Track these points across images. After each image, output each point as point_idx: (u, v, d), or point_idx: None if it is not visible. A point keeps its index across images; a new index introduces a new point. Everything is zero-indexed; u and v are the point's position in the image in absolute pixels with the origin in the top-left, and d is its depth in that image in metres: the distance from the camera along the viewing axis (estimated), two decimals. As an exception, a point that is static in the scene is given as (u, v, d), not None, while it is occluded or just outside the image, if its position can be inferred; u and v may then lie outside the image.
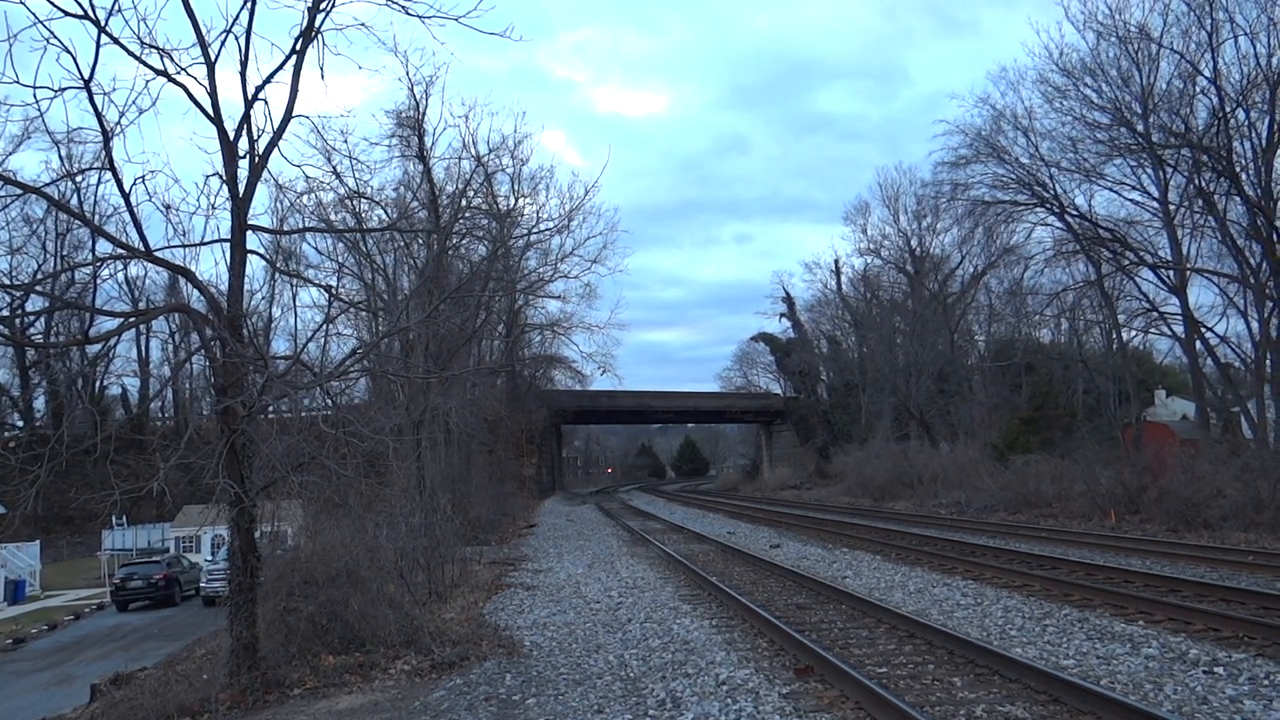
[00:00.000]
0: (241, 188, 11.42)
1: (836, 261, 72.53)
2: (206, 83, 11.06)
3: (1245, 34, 28.39)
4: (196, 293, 11.90)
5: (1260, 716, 7.25)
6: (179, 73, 10.82)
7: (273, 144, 11.66)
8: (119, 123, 10.34)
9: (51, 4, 9.82)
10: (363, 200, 24.94)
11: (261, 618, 11.49)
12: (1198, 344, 34.06)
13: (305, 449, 12.08)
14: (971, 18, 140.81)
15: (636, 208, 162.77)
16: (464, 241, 36.22)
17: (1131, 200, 35.02)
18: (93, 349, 57.20)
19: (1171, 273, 33.53)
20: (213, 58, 11.07)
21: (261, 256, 13.14)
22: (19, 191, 14.19)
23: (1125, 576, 14.81)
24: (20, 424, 57.05)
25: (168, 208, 11.84)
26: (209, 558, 34.83)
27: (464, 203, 34.78)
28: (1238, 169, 29.27)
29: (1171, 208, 33.42)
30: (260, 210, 51.38)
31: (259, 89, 11.33)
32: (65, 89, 10.01)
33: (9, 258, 54.05)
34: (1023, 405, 47.06)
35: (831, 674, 9.09)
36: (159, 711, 10.44)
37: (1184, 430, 35.15)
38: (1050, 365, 50.47)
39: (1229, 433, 32.27)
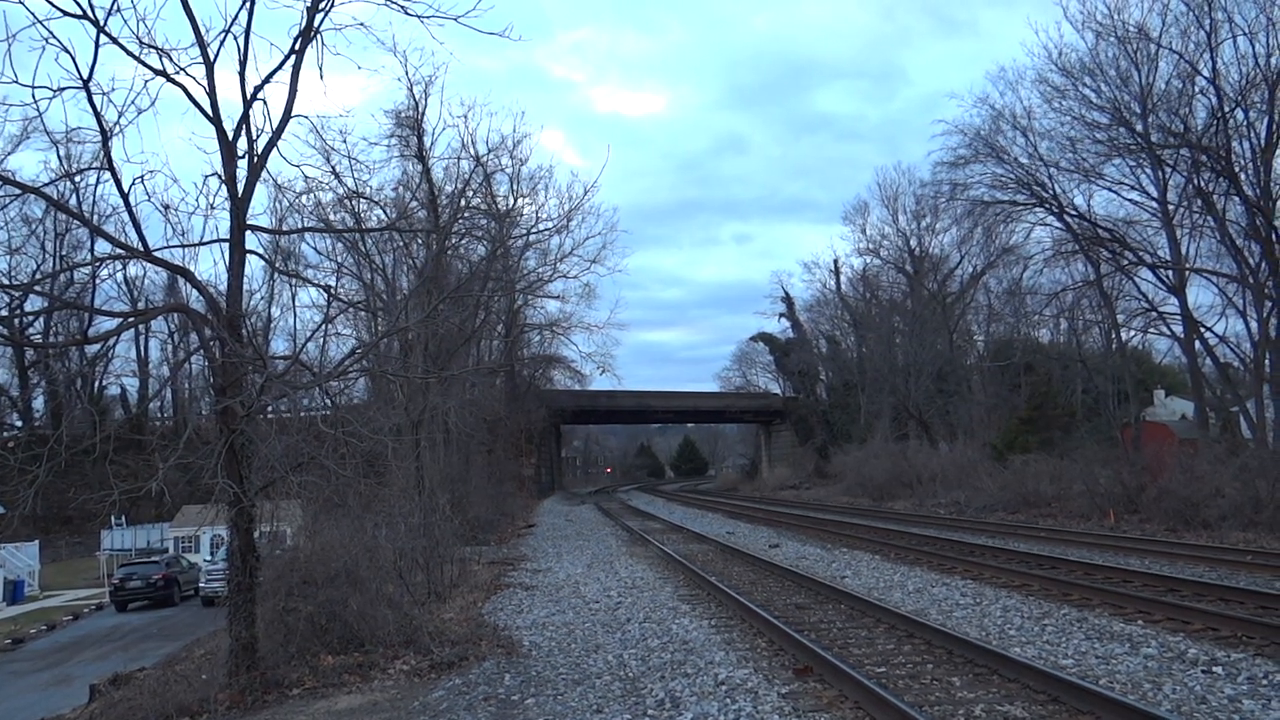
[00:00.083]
0: (240, 188, 11.42)
1: (835, 261, 72.69)
2: (205, 83, 11.07)
3: (1244, 34, 28.44)
4: (195, 293, 11.89)
5: (1259, 716, 7.26)
6: (178, 72, 10.83)
7: (272, 144, 11.66)
8: (118, 122, 10.36)
9: (50, 4, 9.82)
10: (362, 200, 24.96)
11: (260, 618, 11.49)
12: (1196, 344, 34.08)
13: (304, 449, 12.08)
14: (970, 18, 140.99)
15: (635, 208, 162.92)
16: (463, 241, 36.23)
17: (1130, 200, 35.08)
18: (92, 349, 57.23)
19: (1170, 273, 33.55)
20: (212, 58, 11.07)
21: (260, 256, 13.17)
22: (18, 191, 14.19)
23: (1124, 576, 14.82)
24: (19, 424, 57.03)
25: (166, 208, 11.87)
26: (208, 558, 34.83)
27: (463, 203, 34.78)
28: (1236, 169, 29.29)
29: (1170, 207, 33.44)
30: (259, 210, 51.40)
31: (258, 89, 11.34)
32: (64, 89, 10.02)
33: (8, 258, 54.13)
34: (1022, 405, 47.09)
35: (830, 674, 9.10)
36: (158, 711, 10.44)
37: (1183, 430, 35.17)
38: (1049, 365, 50.50)
39: (1228, 432, 32.29)
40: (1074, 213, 36.07)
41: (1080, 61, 33.06)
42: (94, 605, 31.48)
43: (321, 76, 14.06)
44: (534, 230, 34.90)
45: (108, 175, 10.55)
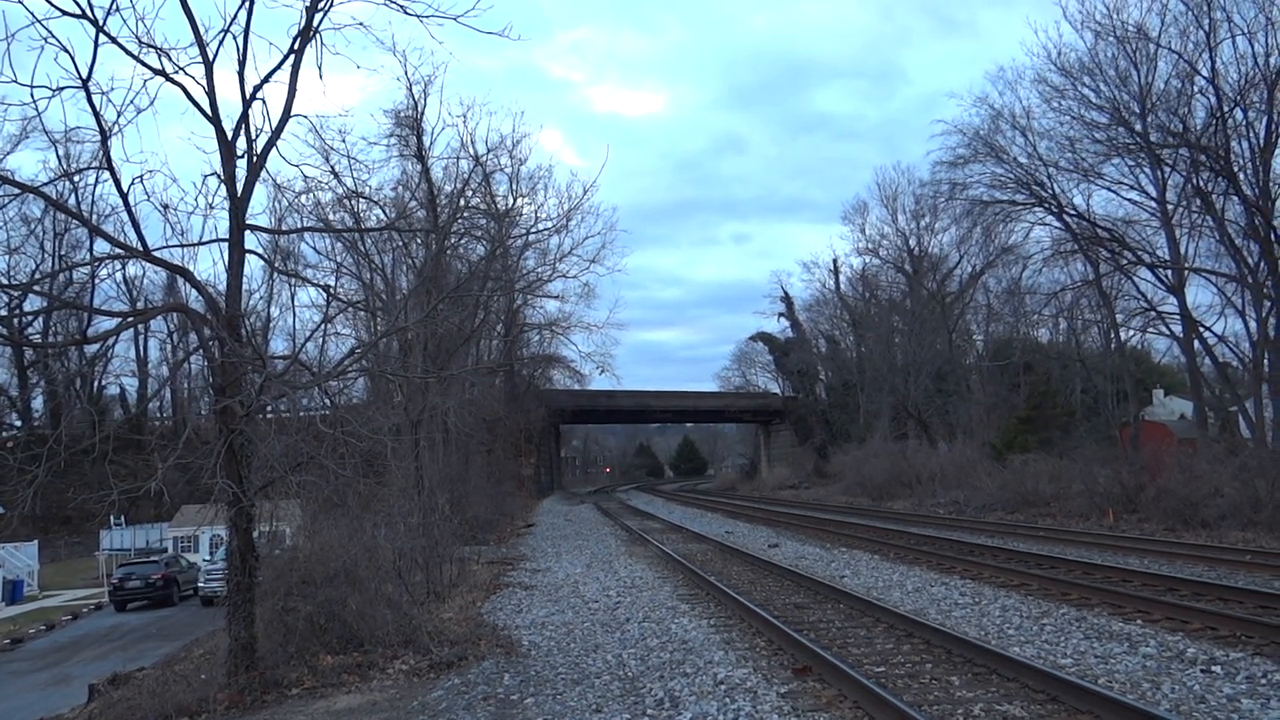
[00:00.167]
0: (240, 187, 11.41)
1: (835, 261, 72.72)
2: (204, 82, 11.06)
3: (1243, 34, 28.47)
4: (195, 292, 11.88)
5: (1258, 715, 7.26)
6: (177, 72, 10.82)
7: (271, 143, 11.66)
8: (117, 122, 10.36)
9: (49, 3, 9.81)
10: (361, 200, 24.96)
11: (259, 618, 11.48)
12: (1195, 343, 34.11)
13: (303, 449, 12.07)
14: (969, 18, 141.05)
15: (634, 207, 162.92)
16: (462, 241, 36.21)
17: (1129, 200, 35.11)
18: (91, 349, 57.21)
19: (1169, 272, 33.57)
20: (211, 57, 11.06)
21: (260, 256, 13.15)
22: (17, 191, 14.20)
23: (1123, 575, 14.83)
24: (19, 424, 57.00)
25: (166, 207, 11.86)
26: (207, 557, 34.82)
27: (462, 202, 34.75)
28: (1235, 169, 29.32)
29: (1169, 207, 33.46)
30: (258, 210, 51.44)
31: (257, 88, 11.33)
32: (63, 88, 10.01)
33: (7, 257, 54.07)
34: (1021, 405, 47.11)
35: (830, 673, 9.10)
36: (157, 711, 10.44)
37: (1182, 429, 35.21)
38: (1048, 365, 50.53)
39: (1227, 432, 32.31)
40: (1073, 212, 36.13)
41: (1079, 61, 33.13)
42: (93, 605, 31.47)
43: (321, 76, 14.10)
44: (533, 230, 34.86)
45: (107, 175, 10.57)
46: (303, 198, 24.33)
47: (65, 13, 9.91)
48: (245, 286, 12.88)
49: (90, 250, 51.47)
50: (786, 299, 76.72)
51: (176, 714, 10.28)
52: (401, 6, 12.19)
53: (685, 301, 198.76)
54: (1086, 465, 28.82)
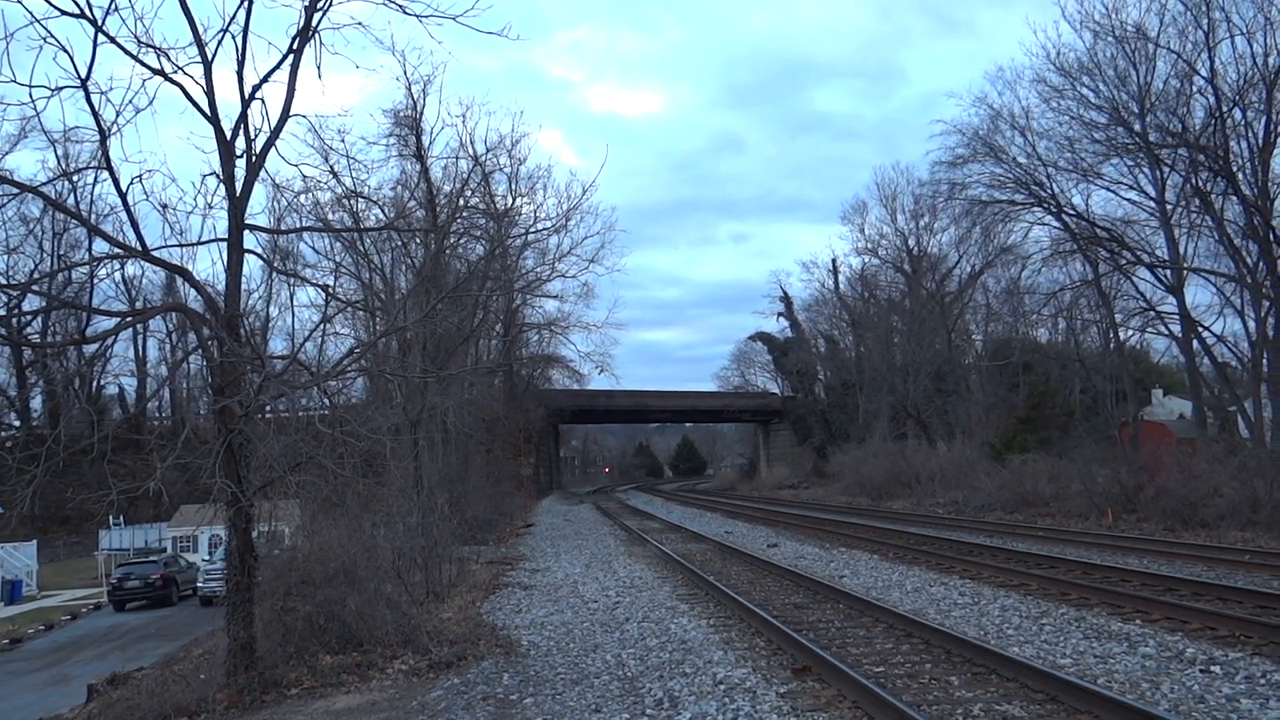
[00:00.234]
0: (239, 187, 11.41)
1: (834, 261, 72.70)
2: (203, 82, 11.06)
3: (1242, 34, 28.48)
4: (194, 292, 11.87)
5: (1257, 715, 7.27)
6: (176, 72, 10.82)
7: (270, 143, 11.65)
8: (116, 122, 10.35)
9: (49, 3, 9.81)
10: (360, 199, 25.01)
11: (259, 617, 11.48)
12: (1195, 343, 34.12)
13: (302, 449, 12.07)
14: (968, 17, 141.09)
15: (633, 207, 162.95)
16: (461, 241, 36.24)
17: (1128, 200, 35.10)
18: (90, 348, 57.09)
19: (1168, 272, 33.58)
20: (210, 57, 11.06)
21: (259, 256, 13.11)
22: (16, 190, 14.19)
23: (1122, 575, 14.83)
24: (17, 424, 56.95)
25: (165, 207, 11.86)
26: (206, 557, 34.79)
27: (461, 202, 34.76)
28: (1234, 168, 29.32)
29: (1168, 207, 33.46)
30: (257, 210, 51.44)
31: (256, 88, 11.33)
32: (62, 88, 10.01)
33: (6, 257, 54.05)
34: (1020, 404, 47.10)
35: (829, 673, 9.10)
36: (156, 711, 10.44)
37: (1181, 429, 35.24)
38: (1047, 364, 50.52)
39: (1226, 432, 32.32)
40: (1072, 212, 36.13)
41: (1078, 61, 33.12)
42: (92, 605, 31.45)
43: (320, 76, 14.12)
44: (532, 230, 34.92)
45: (106, 175, 10.57)
46: (302, 197, 24.37)
47: (64, 12, 9.91)
48: (244, 286, 12.87)
49: (89, 250, 51.50)
50: (785, 299, 76.81)
51: (175, 714, 10.28)
52: (400, 6, 12.19)
53: (684, 301, 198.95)
54: (1085, 465, 28.83)
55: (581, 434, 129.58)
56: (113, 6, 10.03)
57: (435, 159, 34.92)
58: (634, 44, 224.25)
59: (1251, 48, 28.25)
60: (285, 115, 11.69)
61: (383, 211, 29.52)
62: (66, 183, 36.90)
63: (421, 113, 33.75)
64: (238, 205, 11.35)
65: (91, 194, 46.84)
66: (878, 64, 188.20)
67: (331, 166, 25.97)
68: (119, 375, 63.87)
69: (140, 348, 62.99)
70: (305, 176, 34.80)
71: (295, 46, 11.59)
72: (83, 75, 9.91)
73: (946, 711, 7.81)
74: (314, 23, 11.61)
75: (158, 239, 26.82)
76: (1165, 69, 31.20)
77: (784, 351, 77.93)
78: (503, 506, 41.43)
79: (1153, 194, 33.87)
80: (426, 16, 12.16)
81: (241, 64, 11.21)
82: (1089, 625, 11.09)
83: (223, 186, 11.40)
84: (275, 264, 34.62)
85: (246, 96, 11.22)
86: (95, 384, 61.49)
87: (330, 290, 17.66)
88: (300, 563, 13.02)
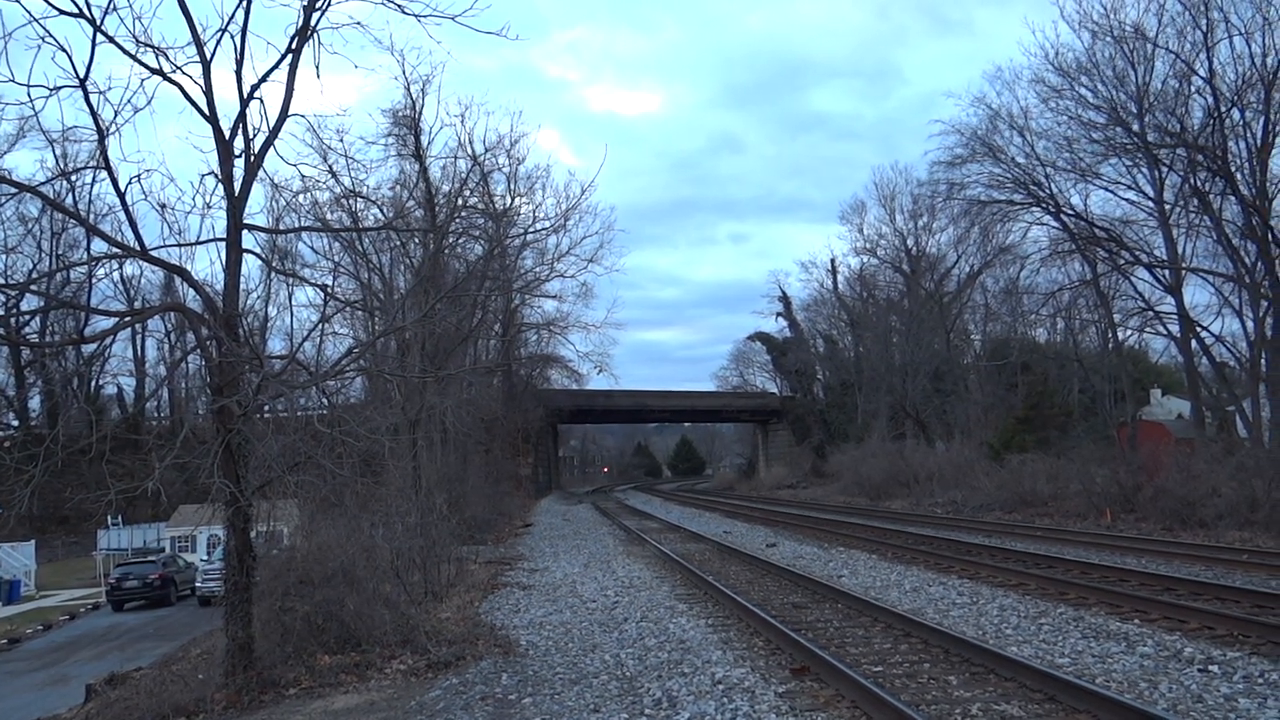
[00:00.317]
0: (237, 187, 11.40)
1: (833, 261, 72.79)
2: (202, 82, 11.04)
3: (1240, 34, 28.53)
4: (192, 292, 11.86)
5: (1255, 714, 7.27)
6: (174, 71, 10.80)
7: (268, 143, 11.64)
8: (114, 121, 10.33)
9: (47, 2, 9.79)
10: (359, 199, 25.00)
11: (257, 617, 11.47)
12: (1193, 343, 34.16)
13: (301, 448, 12.06)
14: (965, 17, 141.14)
15: (632, 207, 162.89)
16: (460, 241, 36.19)
17: (1127, 200, 35.16)
18: (88, 348, 57.13)
19: (1167, 272, 33.61)
20: (208, 57, 11.04)
21: (257, 256, 13.07)
22: (14, 190, 14.18)
23: (1120, 575, 14.84)
24: (15, 423, 56.90)
25: (163, 207, 11.85)
26: (204, 557, 34.75)
27: (460, 202, 34.71)
28: (1233, 169, 29.37)
29: (1167, 207, 33.51)
30: (256, 209, 51.38)
31: (255, 88, 11.31)
32: (60, 88, 9.99)
33: (4, 257, 53.97)
34: (1018, 404, 47.13)
35: (827, 673, 9.10)
36: (154, 711, 10.43)
37: (1179, 429, 35.29)
38: (1046, 364, 50.55)
39: (1224, 432, 32.35)
40: (1071, 212, 36.17)
41: (1077, 61, 33.16)
42: (90, 605, 31.43)
43: (318, 75, 14.10)
44: (531, 229, 34.85)
45: (104, 174, 10.54)
46: (300, 197, 24.37)
47: (63, 12, 9.90)
48: (243, 286, 12.84)
49: (87, 250, 51.45)
50: (784, 299, 76.84)
51: (174, 714, 10.27)
52: (399, 6, 12.17)
53: (683, 301, 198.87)
54: (1084, 465, 28.86)
55: (580, 434, 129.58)
56: (111, 6, 10.03)
57: (434, 159, 34.91)
58: (632, 44, 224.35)
59: (1250, 48, 28.35)
60: (284, 115, 11.68)
61: (381, 211, 29.53)
62: (65, 182, 37.00)
63: (420, 112, 33.75)
64: (236, 205, 11.34)
65: (90, 193, 47.02)
66: (875, 64, 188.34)
67: (330, 166, 25.93)
68: (117, 375, 63.93)
69: (139, 347, 63.00)
70: (304, 176, 34.89)
71: (294, 46, 11.58)
72: (81, 75, 9.90)
73: (945, 711, 7.82)
74: (312, 22, 11.60)
75: (156, 239, 26.75)
76: (1164, 69, 31.30)
77: (783, 351, 77.95)
78: (501, 506, 41.42)
79: (1151, 194, 33.92)
80: (425, 16, 12.16)
81: (240, 64, 11.21)
82: (1087, 625, 11.10)
83: (221, 186, 11.38)
84: (274, 264, 34.59)
85: (245, 96, 11.21)
86: (94, 384, 61.49)
87: (329, 290, 17.63)
88: (299, 563, 13.01)
